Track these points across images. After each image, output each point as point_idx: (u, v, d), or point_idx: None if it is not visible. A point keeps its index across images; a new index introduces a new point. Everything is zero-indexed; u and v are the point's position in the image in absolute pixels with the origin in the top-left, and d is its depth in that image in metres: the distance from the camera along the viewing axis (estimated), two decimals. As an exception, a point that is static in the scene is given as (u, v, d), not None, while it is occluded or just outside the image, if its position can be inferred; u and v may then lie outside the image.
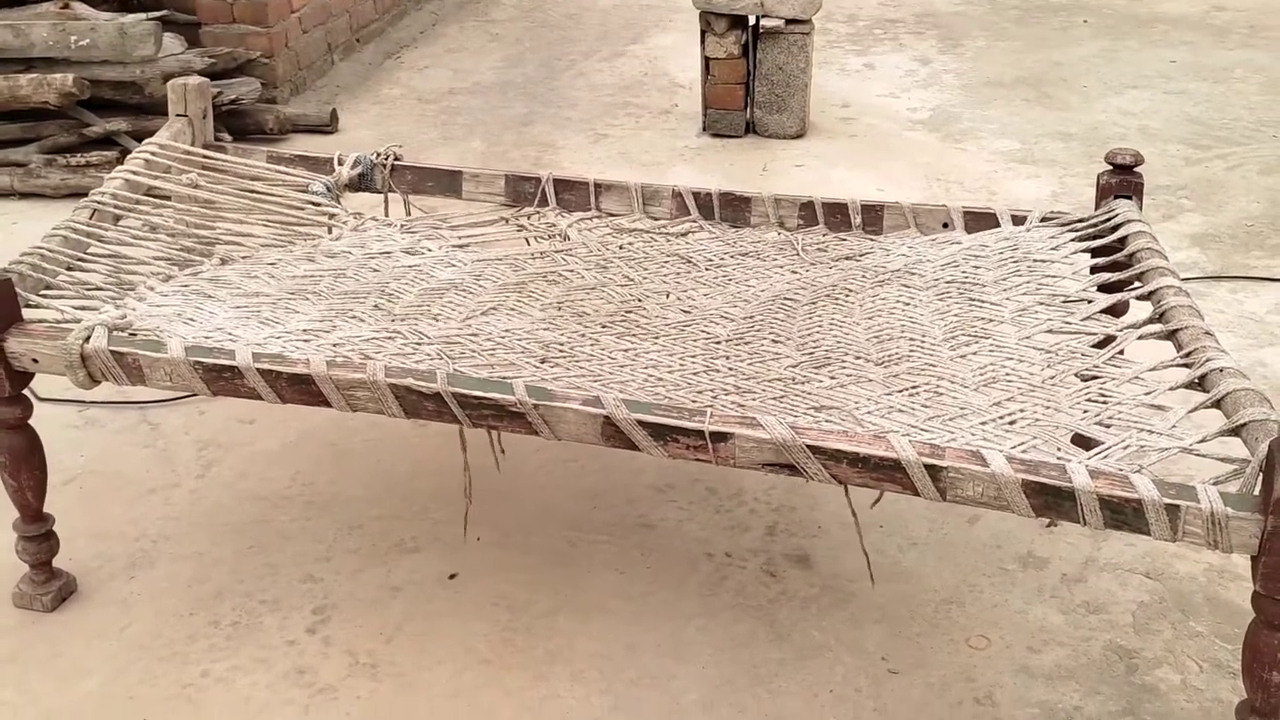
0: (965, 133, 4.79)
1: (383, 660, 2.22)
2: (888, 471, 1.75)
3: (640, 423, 1.84)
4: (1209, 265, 3.63)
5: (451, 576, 2.43)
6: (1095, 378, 1.95)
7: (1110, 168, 2.41)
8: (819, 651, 2.21)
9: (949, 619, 2.28)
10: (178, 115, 2.82)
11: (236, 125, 4.66)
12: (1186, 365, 1.90)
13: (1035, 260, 2.32)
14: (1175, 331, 1.97)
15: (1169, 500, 1.62)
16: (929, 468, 1.72)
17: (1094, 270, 2.27)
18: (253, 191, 2.68)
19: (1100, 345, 2.04)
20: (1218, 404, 1.80)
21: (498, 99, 5.23)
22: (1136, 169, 2.40)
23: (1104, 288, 2.22)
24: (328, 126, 4.84)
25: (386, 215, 2.83)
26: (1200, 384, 1.86)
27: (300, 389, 2.00)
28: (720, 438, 1.81)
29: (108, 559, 2.49)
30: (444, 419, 1.96)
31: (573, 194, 2.73)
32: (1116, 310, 2.18)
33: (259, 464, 2.79)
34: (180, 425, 2.94)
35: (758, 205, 2.63)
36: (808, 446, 1.77)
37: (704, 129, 4.82)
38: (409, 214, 2.80)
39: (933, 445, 1.74)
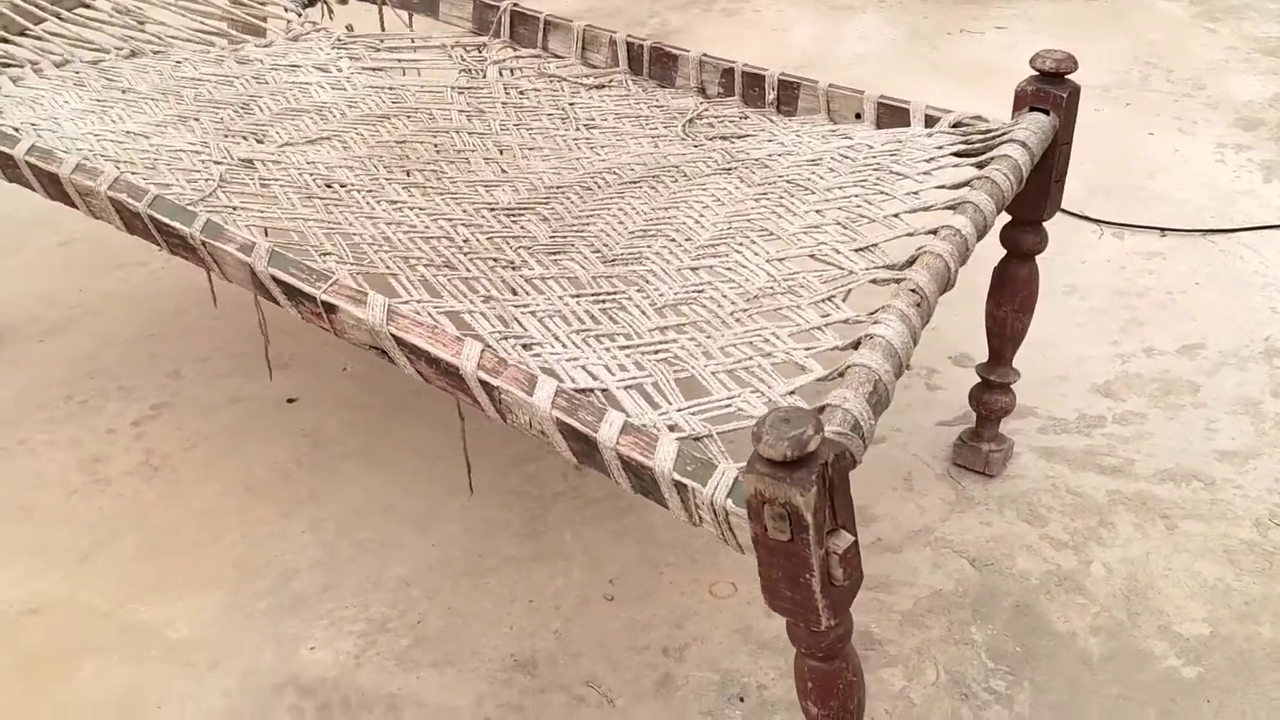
0: (1233, 10, 4.03)
1: (168, 466, 2.28)
2: (455, 379, 1.56)
3: (275, 278, 1.74)
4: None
5: (290, 400, 2.43)
6: (790, 319, 1.64)
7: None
8: (555, 559, 2.05)
9: (712, 557, 2.04)
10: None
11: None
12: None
13: (893, 171, 1.95)
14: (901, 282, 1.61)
15: (678, 476, 1.35)
16: (484, 384, 1.52)
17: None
18: (218, -13, 2.69)
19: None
20: (842, 375, 1.46)
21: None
22: (1066, 77, 1.94)
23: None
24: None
25: (383, 29, 2.78)
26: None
27: (57, 188, 2.03)
28: (331, 309, 1.68)
29: (38, 319, 2.68)
30: (152, 239, 1.93)
31: (526, 29, 2.56)
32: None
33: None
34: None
35: (683, 66, 2.36)
36: (393, 335, 1.61)
37: (922, -26, 4.34)
38: (383, 29, 2.74)
39: (500, 359, 1.53)
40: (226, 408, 2.41)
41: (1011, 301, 2.07)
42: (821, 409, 1.39)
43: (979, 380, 2.15)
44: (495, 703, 1.80)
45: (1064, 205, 2.95)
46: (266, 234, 1.96)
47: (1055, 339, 2.51)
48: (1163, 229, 2.87)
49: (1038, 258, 2.05)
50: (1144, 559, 1.99)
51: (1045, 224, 2.02)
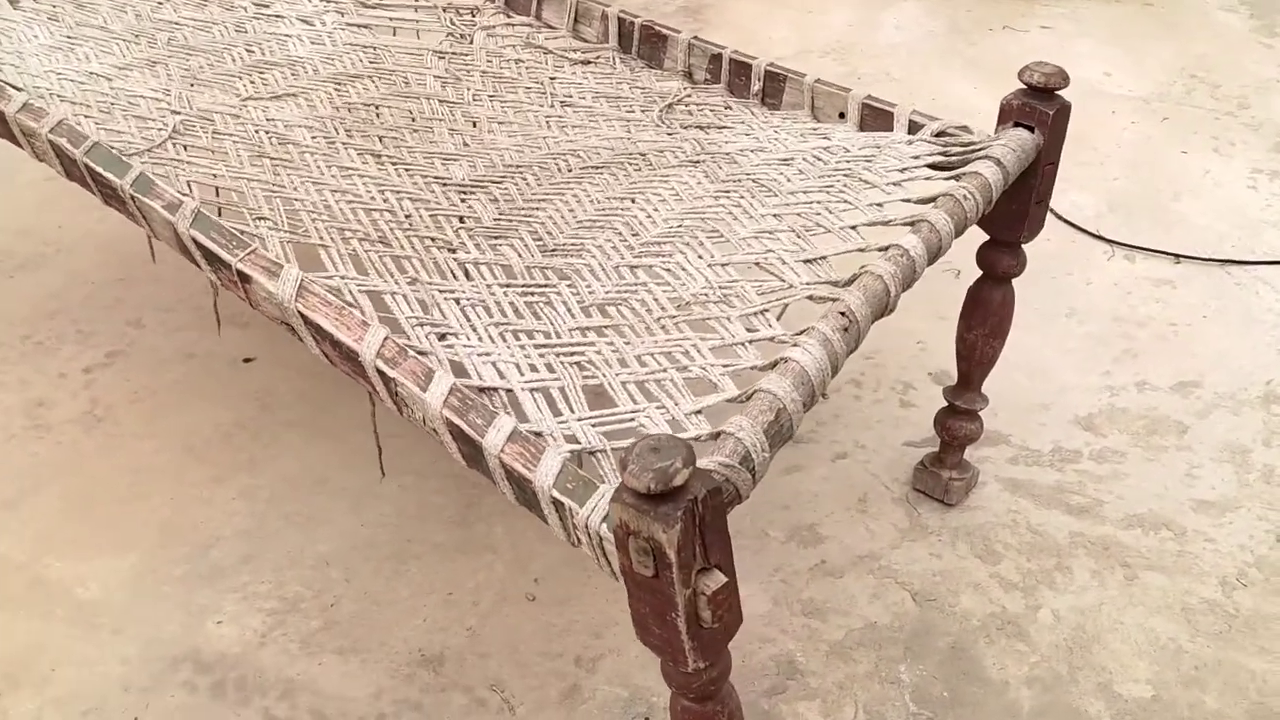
0: (1291, 29, 3.85)
1: (111, 418, 2.23)
2: (356, 365, 1.49)
3: (196, 241, 1.67)
4: None
5: (247, 360, 2.38)
6: (716, 331, 1.54)
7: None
8: (483, 551, 1.98)
9: (645, 564, 1.96)
10: None
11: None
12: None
13: (863, 179, 1.84)
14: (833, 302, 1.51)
15: (557, 494, 1.28)
16: (381, 374, 1.45)
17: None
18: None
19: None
20: (749, 400, 1.37)
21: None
22: (1056, 93, 1.82)
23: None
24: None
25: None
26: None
27: (4, 126, 1.98)
28: (246, 279, 1.61)
29: (11, 254, 2.64)
30: (88, 188, 1.88)
31: (524, -5, 2.48)
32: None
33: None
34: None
35: (672, 48, 2.26)
36: (300, 313, 1.53)
37: (972, -33, 4.18)
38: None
39: (401, 349, 1.45)
40: (181, 362, 2.36)
41: (983, 325, 1.96)
42: (717, 435, 1.30)
43: (945, 404, 2.04)
44: (393, 698, 1.74)
45: (1078, 221, 2.83)
46: (218, 193, 1.89)
47: (1044, 364, 2.39)
48: (1178, 255, 2.73)
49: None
50: (1096, 609, 1.88)
51: (1025, 247, 1.91)
